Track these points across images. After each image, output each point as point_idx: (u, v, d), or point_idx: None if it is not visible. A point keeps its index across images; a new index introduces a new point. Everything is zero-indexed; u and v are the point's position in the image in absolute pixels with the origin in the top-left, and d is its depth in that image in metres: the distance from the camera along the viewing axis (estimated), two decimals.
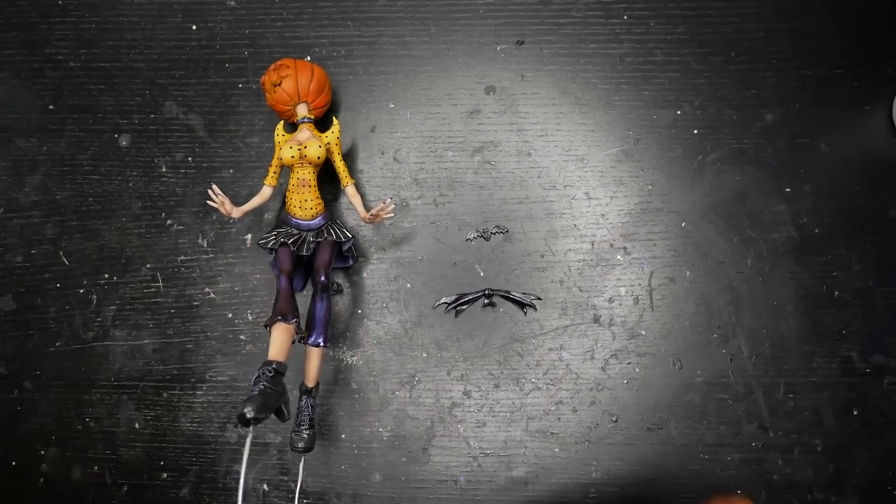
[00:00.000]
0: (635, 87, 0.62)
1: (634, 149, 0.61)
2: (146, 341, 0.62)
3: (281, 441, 0.60)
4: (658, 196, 0.60)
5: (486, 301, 0.59)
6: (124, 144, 0.63)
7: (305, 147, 0.55)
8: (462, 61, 0.62)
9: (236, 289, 0.61)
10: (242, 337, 0.61)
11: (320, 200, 0.57)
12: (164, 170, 0.63)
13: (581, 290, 0.60)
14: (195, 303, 0.62)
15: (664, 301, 0.59)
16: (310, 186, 0.56)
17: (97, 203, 0.63)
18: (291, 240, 0.54)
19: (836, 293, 0.59)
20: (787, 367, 0.58)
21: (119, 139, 0.63)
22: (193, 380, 0.61)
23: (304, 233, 0.56)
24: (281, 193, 0.60)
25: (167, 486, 0.61)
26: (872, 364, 0.58)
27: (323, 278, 0.54)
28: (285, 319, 0.50)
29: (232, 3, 0.64)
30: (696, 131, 0.61)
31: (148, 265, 0.62)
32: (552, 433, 0.59)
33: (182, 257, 0.62)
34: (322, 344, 0.53)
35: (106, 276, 0.62)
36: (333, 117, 0.58)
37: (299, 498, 0.59)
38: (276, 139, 0.57)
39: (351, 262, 0.60)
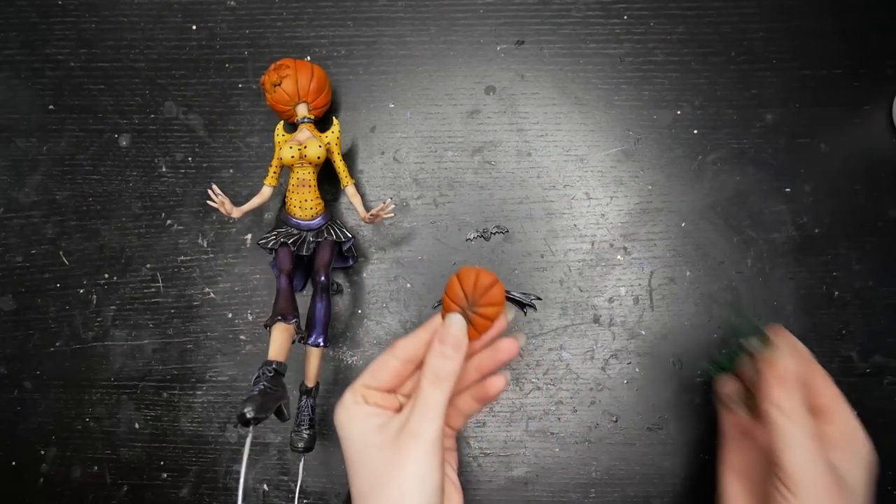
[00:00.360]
0: (635, 87, 0.62)
1: (634, 149, 0.61)
2: (146, 341, 0.62)
3: (281, 441, 0.60)
4: (658, 196, 0.60)
5: None
6: (124, 144, 0.63)
7: (305, 147, 0.55)
8: (462, 61, 0.62)
9: (236, 289, 0.61)
10: (242, 337, 0.61)
11: (320, 200, 0.57)
12: (164, 170, 0.63)
13: (581, 290, 0.60)
14: (195, 303, 0.62)
15: (664, 301, 0.59)
16: (310, 186, 0.56)
17: (97, 203, 0.63)
18: (291, 240, 0.54)
19: (836, 293, 0.59)
20: None
21: (119, 139, 0.63)
22: (193, 380, 0.61)
23: (304, 233, 0.56)
24: (281, 193, 0.60)
25: (167, 486, 0.61)
26: (872, 364, 0.58)
27: (323, 278, 0.54)
28: (285, 319, 0.50)
29: (232, 3, 0.64)
30: (696, 131, 0.61)
31: (148, 265, 0.62)
32: (552, 433, 0.59)
33: (182, 257, 0.62)
34: (322, 344, 0.53)
35: (106, 276, 0.62)
36: (333, 117, 0.58)
37: (299, 498, 0.59)
38: (276, 139, 0.57)
39: (351, 262, 0.60)
